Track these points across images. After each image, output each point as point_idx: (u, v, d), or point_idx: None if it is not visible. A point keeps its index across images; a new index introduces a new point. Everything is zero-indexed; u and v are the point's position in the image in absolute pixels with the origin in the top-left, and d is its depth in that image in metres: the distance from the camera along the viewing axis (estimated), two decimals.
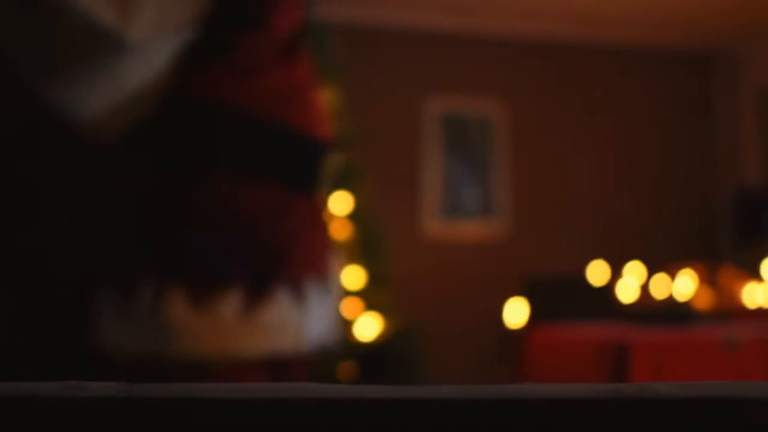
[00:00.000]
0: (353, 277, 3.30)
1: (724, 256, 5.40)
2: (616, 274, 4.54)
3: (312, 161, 1.58)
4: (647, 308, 3.96)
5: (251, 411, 0.56)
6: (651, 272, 4.56)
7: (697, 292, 4.46)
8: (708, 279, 4.50)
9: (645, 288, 4.45)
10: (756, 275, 4.37)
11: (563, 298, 4.28)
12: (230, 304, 1.42)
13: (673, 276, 4.54)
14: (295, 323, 1.49)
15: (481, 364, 4.97)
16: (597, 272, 4.44)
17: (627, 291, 4.38)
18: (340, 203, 3.32)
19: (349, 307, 3.27)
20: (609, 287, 4.38)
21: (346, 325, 3.21)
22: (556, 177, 5.74)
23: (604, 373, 2.54)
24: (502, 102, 5.72)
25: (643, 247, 5.36)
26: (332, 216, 3.27)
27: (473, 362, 5.01)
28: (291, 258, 1.51)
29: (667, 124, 6.06)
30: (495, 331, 4.81)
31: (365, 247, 3.38)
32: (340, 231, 3.30)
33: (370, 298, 3.32)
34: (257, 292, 1.45)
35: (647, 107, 6.03)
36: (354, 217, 3.35)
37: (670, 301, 4.15)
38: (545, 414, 0.51)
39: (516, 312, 4.38)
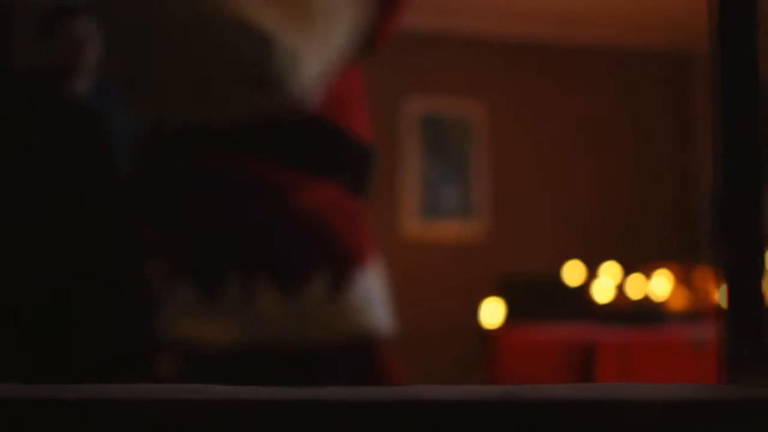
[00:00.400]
0: None
1: (702, 257, 5.42)
2: (592, 274, 4.54)
3: (365, 165, 1.71)
4: (619, 309, 3.96)
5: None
6: (627, 272, 4.56)
7: (673, 292, 4.46)
8: (683, 279, 4.51)
9: (621, 288, 4.46)
10: None
11: (539, 299, 4.28)
12: (316, 291, 1.49)
13: (648, 276, 4.54)
14: (373, 304, 1.57)
15: (460, 364, 4.97)
16: (573, 272, 4.44)
17: (602, 291, 4.38)
18: None
19: None
20: (585, 287, 4.38)
21: None
22: (535, 177, 5.74)
23: (571, 373, 2.54)
24: (482, 102, 5.73)
25: (622, 247, 5.36)
26: None
27: (452, 363, 5.01)
28: (360, 246, 1.61)
29: (646, 125, 6.08)
30: (473, 332, 4.81)
31: None
32: None
33: None
34: (339, 276, 1.52)
35: (627, 108, 6.04)
36: None
37: (641, 301, 4.16)
38: (424, 415, 0.51)
39: (493, 312, 4.38)
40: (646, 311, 3.28)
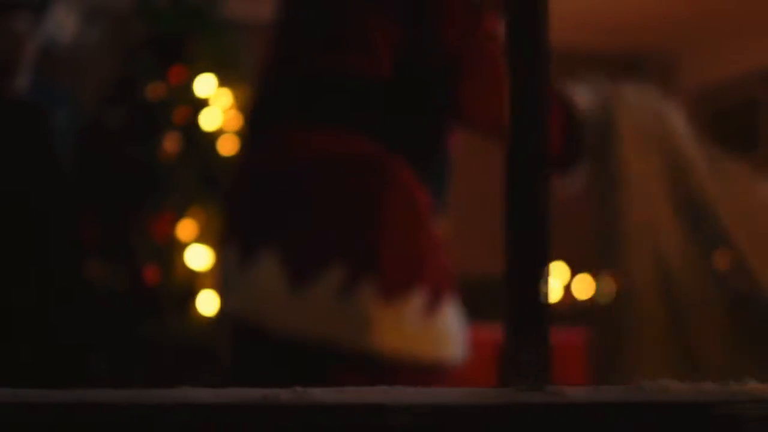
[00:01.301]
0: None
1: None
2: None
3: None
4: (559, 309, 3.99)
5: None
6: (574, 273, 4.60)
7: None
8: None
9: (568, 288, 4.49)
10: None
11: (491, 299, 4.29)
12: (415, 305, 1.45)
13: (595, 276, 4.57)
14: (457, 333, 1.54)
15: None
16: None
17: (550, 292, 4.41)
18: None
19: None
20: None
21: None
22: (490, 178, 5.75)
23: (496, 373, 2.55)
24: None
25: (570, 247, 5.38)
26: None
27: None
28: (450, 273, 1.59)
29: None
30: None
31: None
32: None
33: None
34: (437, 297, 1.48)
35: None
36: None
37: (581, 302, 4.19)
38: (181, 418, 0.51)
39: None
40: (584, 311, 3.30)
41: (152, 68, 3.11)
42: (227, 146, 3.12)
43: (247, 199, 1.54)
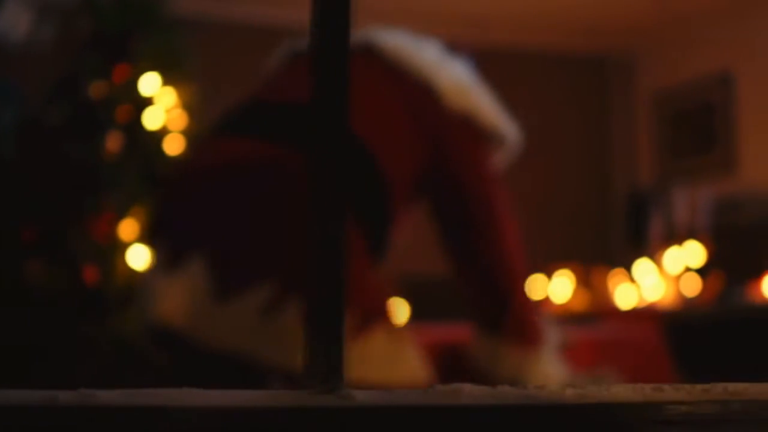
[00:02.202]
0: None
1: (616, 257, 5.49)
2: None
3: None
4: None
5: None
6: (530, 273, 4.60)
7: (574, 293, 4.51)
8: (583, 280, 4.56)
9: None
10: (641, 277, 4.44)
11: (441, 299, 4.29)
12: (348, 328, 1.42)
13: (550, 277, 4.59)
14: (385, 360, 1.51)
15: None
16: None
17: None
18: None
19: None
20: None
21: None
22: None
23: (436, 373, 2.54)
24: None
25: (538, 247, 5.40)
26: None
27: None
28: (383, 301, 1.58)
29: (562, 127, 6.14)
30: None
31: None
32: None
33: None
34: (366, 321, 1.47)
35: (541, 109, 6.09)
36: None
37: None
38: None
39: (397, 313, 4.38)
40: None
41: (96, 66, 3.08)
42: (172, 146, 3.10)
43: (182, 203, 1.53)
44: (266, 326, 1.37)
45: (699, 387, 0.56)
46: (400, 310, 4.38)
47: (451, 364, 2.52)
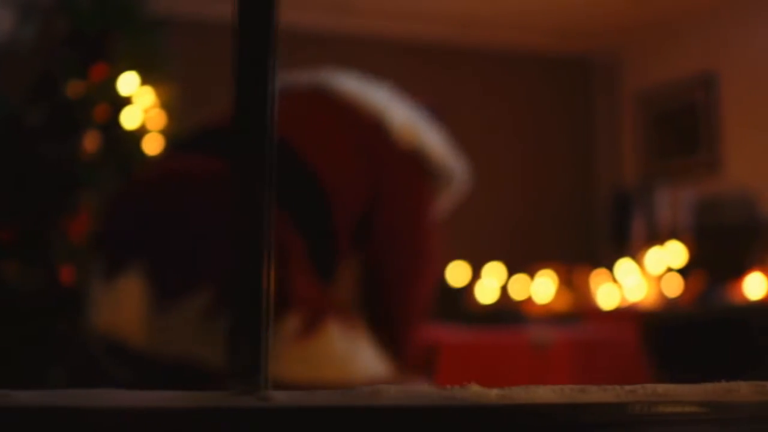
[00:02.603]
0: None
1: (599, 257, 5.49)
2: (477, 275, 4.57)
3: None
4: (484, 311, 4.00)
5: None
6: (512, 273, 4.61)
7: (557, 293, 4.51)
8: (566, 280, 4.57)
9: (505, 289, 4.50)
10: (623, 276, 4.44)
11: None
12: (290, 328, 1.43)
13: (532, 277, 4.59)
14: (342, 357, 1.50)
15: None
16: (457, 273, 4.46)
17: (485, 292, 4.42)
18: None
19: None
20: (468, 288, 4.41)
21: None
22: None
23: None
24: None
25: (509, 247, 5.41)
26: None
27: None
28: (331, 299, 1.58)
29: (546, 127, 6.14)
30: None
31: None
32: None
33: None
34: (314, 321, 1.46)
35: (526, 110, 6.10)
36: None
37: (500, 304, 4.21)
38: None
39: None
40: (508, 314, 3.31)
41: (73, 65, 3.06)
42: (150, 145, 3.08)
43: (122, 215, 1.54)
44: (206, 331, 1.38)
45: (627, 388, 0.55)
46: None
47: (425, 363, 2.51)
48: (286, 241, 1.49)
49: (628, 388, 0.56)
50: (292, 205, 1.53)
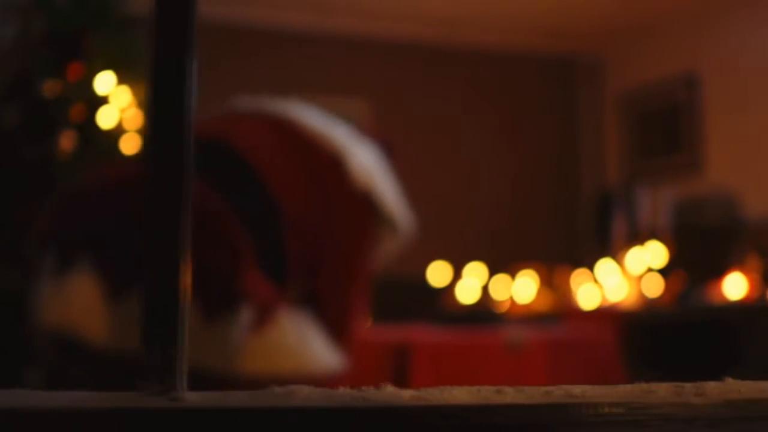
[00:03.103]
0: None
1: (582, 257, 5.50)
2: (458, 275, 4.57)
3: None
4: (461, 311, 4.00)
5: None
6: (493, 273, 4.61)
7: (537, 293, 4.52)
8: (547, 280, 4.57)
9: (486, 289, 4.50)
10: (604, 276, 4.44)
11: (404, 299, 4.29)
12: (240, 323, 1.42)
13: (514, 277, 4.59)
14: (295, 350, 1.48)
15: None
16: (438, 273, 4.46)
17: (466, 292, 4.42)
18: None
19: None
20: (449, 288, 4.41)
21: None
22: (415, 178, 5.75)
23: (387, 375, 2.54)
24: (366, 102, 5.72)
25: (490, 247, 5.41)
26: None
27: None
28: (294, 272, 1.60)
29: (530, 127, 6.15)
30: None
31: None
32: None
33: None
34: (265, 313, 1.45)
35: (510, 110, 6.11)
36: None
37: (480, 304, 4.21)
38: None
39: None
40: (483, 314, 3.31)
41: (50, 65, 3.05)
42: (127, 145, 3.07)
43: (70, 214, 1.55)
44: None
45: (541, 390, 0.55)
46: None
47: (400, 364, 2.51)
48: (238, 241, 1.50)
49: (544, 389, 0.55)
50: (246, 216, 1.55)
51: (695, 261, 4.33)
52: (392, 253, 1.98)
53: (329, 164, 1.76)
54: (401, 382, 2.47)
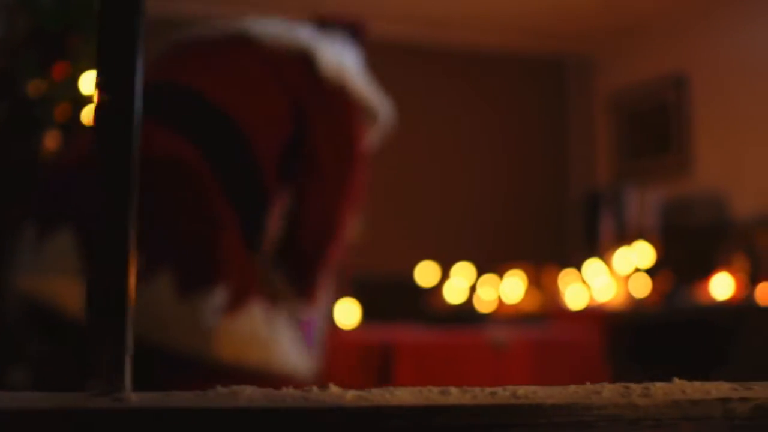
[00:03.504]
0: None
1: (571, 258, 5.51)
2: (446, 275, 4.57)
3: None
4: (447, 311, 4.01)
5: None
6: (481, 273, 4.61)
7: (525, 293, 4.52)
8: (534, 280, 4.58)
9: (474, 289, 4.50)
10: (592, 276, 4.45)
11: (391, 299, 4.30)
12: (213, 303, 1.40)
13: (501, 277, 4.60)
14: (265, 340, 1.48)
15: None
16: (425, 273, 4.47)
17: (453, 292, 4.42)
18: None
19: None
20: (437, 288, 4.41)
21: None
22: (401, 178, 5.76)
23: (370, 374, 2.54)
24: None
25: (478, 247, 5.42)
26: None
27: None
28: (251, 282, 1.54)
29: (520, 127, 6.16)
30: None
31: None
32: None
33: None
34: (238, 298, 1.44)
35: (500, 110, 6.11)
36: None
37: (466, 304, 4.21)
38: None
39: (347, 312, 4.38)
40: (468, 314, 3.31)
41: (34, 64, 3.04)
42: None
43: (49, 185, 1.54)
44: (140, 295, 1.37)
45: (487, 391, 0.55)
46: (352, 310, 4.38)
47: (383, 364, 2.52)
48: (220, 209, 1.48)
49: (489, 390, 0.56)
50: (213, 153, 1.52)
51: (682, 261, 4.34)
52: (376, 143, 1.94)
53: (296, 67, 1.72)
54: (385, 382, 2.47)
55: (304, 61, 1.72)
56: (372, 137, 1.88)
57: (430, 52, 5.94)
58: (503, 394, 0.55)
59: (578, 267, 4.61)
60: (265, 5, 5.30)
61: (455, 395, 0.55)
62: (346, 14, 2.17)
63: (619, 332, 3.63)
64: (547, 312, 4.20)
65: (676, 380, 0.60)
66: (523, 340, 2.64)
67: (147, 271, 1.37)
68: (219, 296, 1.41)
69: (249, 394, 0.54)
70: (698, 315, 3.96)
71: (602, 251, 4.65)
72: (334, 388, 0.54)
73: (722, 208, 4.67)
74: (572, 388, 0.57)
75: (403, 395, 0.54)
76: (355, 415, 0.53)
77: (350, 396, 0.54)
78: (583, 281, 4.42)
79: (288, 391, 0.54)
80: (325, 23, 1.90)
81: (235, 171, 1.54)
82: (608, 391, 0.58)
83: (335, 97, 1.73)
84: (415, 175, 5.80)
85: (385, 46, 5.81)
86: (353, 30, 1.95)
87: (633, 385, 0.59)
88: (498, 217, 5.85)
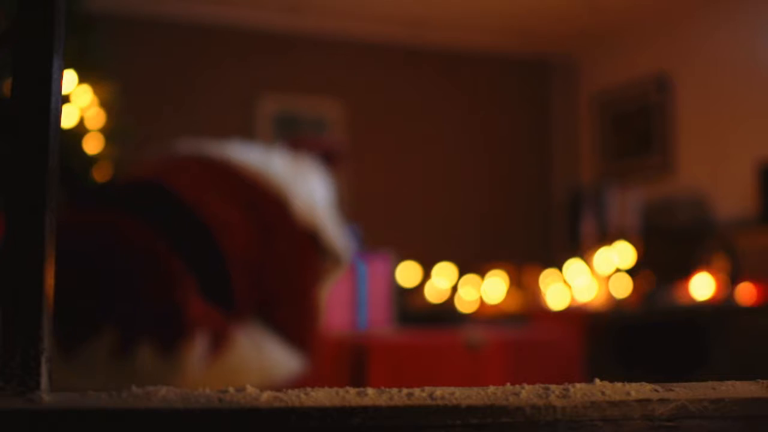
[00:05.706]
0: None
1: (554, 258, 5.52)
2: (428, 274, 4.58)
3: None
4: (424, 311, 4.01)
5: None
6: (463, 273, 4.61)
7: (507, 293, 4.53)
8: (516, 280, 4.58)
9: (455, 289, 4.50)
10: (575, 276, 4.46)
11: None
12: (196, 350, 1.44)
13: (483, 277, 4.60)
14: (256, 363, 1.52)
15: None
16: (407, 273, 4.46)
17: (435, 292, 4.42)
18: None
19: None
20: (418, 288, 4.42)
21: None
22: (388, 177, 5.76)
23: (344, 374, 2.54)
24: (338, 101, 5.72)
25: (460, 247, 5.42)
26: None
27: None
28: (243, 301, 1.61)
29: (504, 128, 6.16)
30: None
31: None
32: None
33: None
34: (219, 336, 1.48)
35: (484, 110, 6.12)
36: None
37: (444, 304, 4.22)
38: None
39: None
40: (446, 314, 3.31)
41: (8, 63, 3.03)
42: (89, 144, 3.06)
43: None
44: (113, 372, 1.43)
45: (405, 392, 0.55)
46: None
47: (357, 364, 2.51)
48: (178, 274, 1.52)
49: (407, 391, 0.56)
50: (186, 252, 1.58)
51: (663, 261, 4.35)
52: (335, 282, 2.05)
53: (271, 203, 1.81)
54: (359, 382, 2.47)
55: (278, 205, 1.81)
56: (333, 277, 1.98)
57: (414, 52, 5.94)
58: (420, 395, 0.55)
59: (560, 267, 4.62)
60: (248, 5, 5.29)
61: (371, 396, 0.55)
62: (322, 140, 2.29)
63: (600, 332, 3.64)
64: (528, 312, 4.21)
65: (597, 381, 0.60)
66: (499, 340, 2.64)
67: (127, 343, 1.42)
68: (199, 342, 1.45)
69: (164, 394, 0.54)
70: (679, 315, 3.97)
71: (583, 251, 4.66)
72: (250, 389, 0.54)
73: (704, 208, 4.69)
74: (491, 389, 0.57)
75: (319, 396, 0.54)
76: (270, 416, 0.53)
77: (265, 397, 0.54)
78: (565, 281, 4.42)
79: (203, 392, 0.54)
80: (301, 149, 1.99)
81: (196, 254, 1.61)
82: (527, 392, 0.58)
83: (303, 239, 1.84)
84: (398, 175, 5.81)
85: (370, 46, 5.82)
86: (327, 154, 2.03)
87: (553, 386, 0.59)
88: (480, 217, 5.85)
